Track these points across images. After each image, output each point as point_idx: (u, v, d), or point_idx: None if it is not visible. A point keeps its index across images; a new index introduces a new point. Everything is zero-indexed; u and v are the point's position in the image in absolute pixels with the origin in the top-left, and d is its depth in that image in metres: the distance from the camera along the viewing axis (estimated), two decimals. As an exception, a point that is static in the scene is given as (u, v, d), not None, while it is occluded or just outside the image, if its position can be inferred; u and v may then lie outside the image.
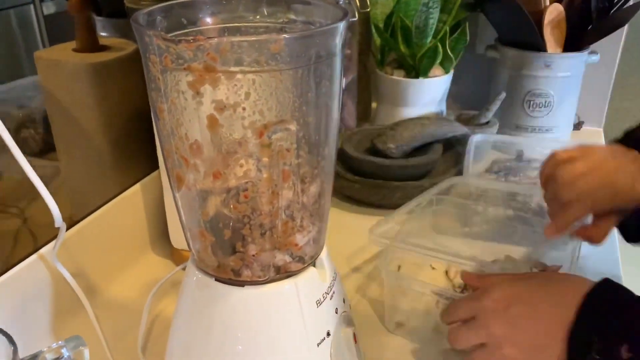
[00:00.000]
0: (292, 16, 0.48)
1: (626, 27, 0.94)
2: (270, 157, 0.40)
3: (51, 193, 0.53)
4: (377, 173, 0.81)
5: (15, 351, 0.34)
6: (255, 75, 0.37)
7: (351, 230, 0.77)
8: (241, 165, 0.40)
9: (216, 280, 0.44)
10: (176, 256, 0.71)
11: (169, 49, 0.35)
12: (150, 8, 0.41)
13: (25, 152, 0.69)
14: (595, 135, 1.05)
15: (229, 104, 0.37)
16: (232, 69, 0.36)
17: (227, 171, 0.41)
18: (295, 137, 0.40)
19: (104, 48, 0.69)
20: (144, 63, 0.39)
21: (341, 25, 0.39)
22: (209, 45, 0.34)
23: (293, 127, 0.40)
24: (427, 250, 0.58)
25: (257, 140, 0.39)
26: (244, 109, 0.38)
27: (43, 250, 0.58)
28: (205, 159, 0.40)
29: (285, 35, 0.36)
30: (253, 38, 0.37)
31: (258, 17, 0.48)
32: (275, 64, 0.37)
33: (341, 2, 0.84)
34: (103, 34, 0.89)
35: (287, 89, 0.39)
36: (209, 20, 0.47)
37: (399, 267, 0.65)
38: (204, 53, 0.35)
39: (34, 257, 0.57)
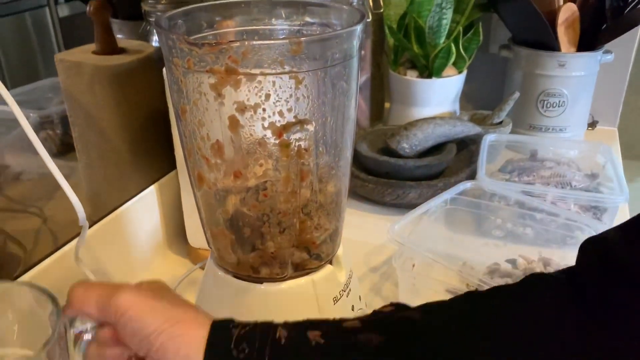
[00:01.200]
0: (308, 18, 0.49)
1: (640, 26, 0.94)
2: (289, 156, 0.41)
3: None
4: (390, 173, 0.82)
5: (58, 313, 0.35)
6: (275, 77, 0.38)
7: (365, 230, 0.78)
8: (261, 165, 0.41)
9: (235, 277, 0.45)
10: (193, 255, 0.72)
11: (192, 52, 0.36)
12: (172, 12, 0.42)
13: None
14: (609, 134, 1.04)
15: (249, 105, 0.38)
16: (253, 71, 0.37)
17: (247, 170, 0.42)
18: (314, 137, 0.41)
19: (122, 50, 0.70)
20: (166, 65, 0.40)
21: (359, 28, 0.40)
22: (230, 49, 0.35)
23: (311, 127, 0.40)
24: (435, 255, 0.59)
25: (276, 140, 0.40)
26: (264, 110, 0.38)
27: (64, 249, 0.59)
28: (226, 159, 0.41)
29: (305, 38, 0.36)
30: (274, 41, 0.38)
31: (274, 19, 0.49)
32: (295, 66, 0.38)
33: (355, 3, 0.85)
34: (119, 36, 0.90)
35: (306, 90, 0.39)
36: (228, 23, 0.48)
37: (413, 265, 0.66)
38: (225, 56, 0.36)
39: (55, 255, 0.58)
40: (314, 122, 0.40)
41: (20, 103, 0.90)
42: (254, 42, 0.36)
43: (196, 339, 0.33)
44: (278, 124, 0.39)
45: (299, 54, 0.37)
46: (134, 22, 0.89)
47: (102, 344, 0.36)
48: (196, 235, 0.70)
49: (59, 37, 1.34)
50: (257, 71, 0.37)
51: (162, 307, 0.34)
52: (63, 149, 0.86)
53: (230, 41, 0.35)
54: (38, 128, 0.90)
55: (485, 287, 0.57)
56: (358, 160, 0.85)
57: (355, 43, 0.41)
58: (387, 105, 1.06)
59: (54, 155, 0.87)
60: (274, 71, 0.37)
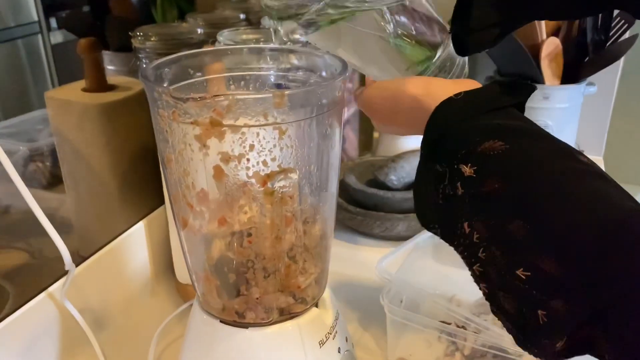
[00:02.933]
0: (295, 61, 0.50)
1: (622, 58, 0.96)
2: (273, 204, 0.41)
3: (59, 226, 0.54)
4: (378, 205, 0.82)
5: None
6: (259, 129, 0.38)
7: (354, 262, 0.78)
8: (245, 212, 0.42)
9: (221, 322, 0.46)
10: (182, 291, 0.72)
11: (177, 105, 0.37)
12: (158, 61, 0.43)
13: (33, 185, 0.70)
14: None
15: (233, 155, 0.39)
16: (237, 123, 0.37)
17: (231, 217, 0.42)
18: (298, 184, 0.42)
19: (112, 88, 0.71)
20: (152, 115, 0.41)
21: (340, 79, 0.40)
22: (215, 102, 0.36)
23: (295, 175, 0.41)
24: (422, 292, 0.59)
25: (260, 188, 0.40)
26: (248, 159, 0.39)
27: (51, 289, 0.59)
28: (211, 206, 0.42)
29: (288, 92, 0.37)
30: (258, 95, 0.39)
31: (262, 62, 0.50)
32: (279, 118, 0.38)
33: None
34: (110, 67, 0.91)
35: (289, 139, 0.40)
36: (215, 67, 0.48)
37: (402, 300, 0.66)
38: (210, 109, 0.36)
39: (42, 295, 0.58)
40: (297, 171, 0.41)
41: (10, 135, 0.90)
42: (238, 97, 0.37)
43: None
44: (262, 173, 0.40)
45: (283, 107, 0.38)
46: (125, 54, 0.89)
47: None
48: (184, 272, 0.70)
49: (51, 64, 1.34)
50: (241, 123, 0.38)
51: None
52: (53, 181, 0.86)
53: (214, 95, 0.36)
54: (27, 160, 0.90)
55: (472, 325, 0.58)
56: (347, 192, 0.86)
57: (338, 92, 0.42)
58: (375, 135, 1.07)
59: (44, 187, 0.87)
60: (257, 123, 0.38)
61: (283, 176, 0.40)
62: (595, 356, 0.33)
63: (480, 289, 0.38)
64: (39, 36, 1.39)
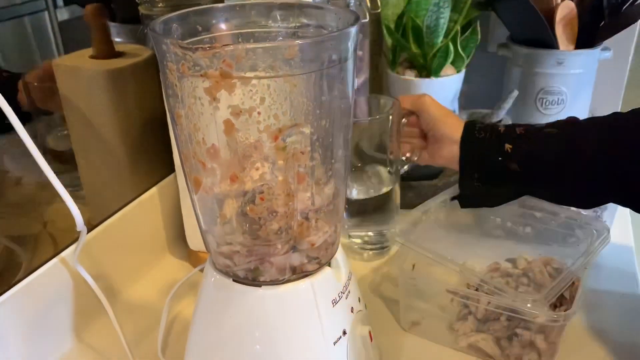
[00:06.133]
0: (304, 20, 0.49)
1: (639, 22, 0.94)
2: (285, 160, 0.41)
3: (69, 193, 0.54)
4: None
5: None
6: (270, 81, 0.38)
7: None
8: (257, 169, 0.41)
9: (234, 281, 0.45)
10: (193, 258, 0.72)
11: (185, 57, 0.36)
12: (167, 16, 0.42)
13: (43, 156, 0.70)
14: (609, 131, 1.04)
15: (244, 108, 0.38)
16: (248, 74, 0.37)
17: (243, 174, 0.42)
18: (310, 140, 0.41)
19: (119, 54, 0.70)
20: (161, 70, 0.40)
21: (353, 30, 0.39)
22: (224, 53, 0.35)
23: (307, 130, 0.40)
24: (435, 255, 0.59)
25: (272, 143, 0.40)
26: (259, 113, 0.38)
27: (64, 254, 0.59)
28: (222, 163, 0.41)
29: (299, 41, 0.36)
30: (268, 45, 0.38)
31: (270, 22, 0.49)
32: (289, 69, 0.37)
33: (352, 4, 0.84)
34: (117, 39, 0.90)
35: (300, 93, 0.39)
36: (222, 26, 0.47)
37: (414, 265, 0.66)
38: (220, 60, 0.35)
39: (55, 260, 0.59)
40: (309, 125, 0.40)
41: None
42: (248, 46, 0.36)
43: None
44: (273, 127, 0.39)
45: (294, 57, 0.37)
46: (132, 25, 0.88)
47: (409, 124, 0.69)
48: (195, 238, 0.70)
49: (58, 40, 1.34)
50: (251, 74, 0.37)
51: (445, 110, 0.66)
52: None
53: (224, 45, 0.35)
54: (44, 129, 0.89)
55: (486, 287, 0.57)
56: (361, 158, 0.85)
57: (350, 45, 0.41)
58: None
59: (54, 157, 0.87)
60: (268, 74, 0.37)
61: (295, 130, 0.39)
62: None
63: None
64: (46, 13, 1.39)
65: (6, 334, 0.54)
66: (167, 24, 0.42)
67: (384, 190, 0.73)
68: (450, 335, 0.60)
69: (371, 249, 0.75)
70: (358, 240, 0.75)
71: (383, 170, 0.74)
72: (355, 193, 0.74)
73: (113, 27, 0.89)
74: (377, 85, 1.01)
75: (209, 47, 0.35)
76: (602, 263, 0.70)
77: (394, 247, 0.76)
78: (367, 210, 0.74)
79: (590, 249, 0.59)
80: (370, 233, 0.75)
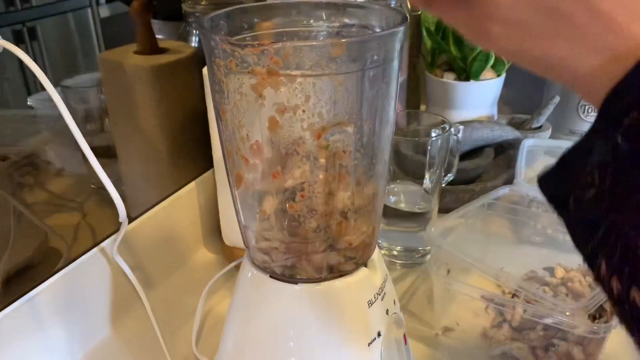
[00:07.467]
0: (347, 20, 0.49)
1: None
2: (327, 158, 0.41)
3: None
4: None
5: None
6: (315, 79, 0.38)
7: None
8: (299, 166, 0.42)
9: (270, 277, 0.46)
10: (227, 253, 0.73)
11: (234, 53, 0.37)
12: (214, 13, 0.43)
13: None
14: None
15: (289, 106, 0.38)
16: (294, 72, 0.37)
17: (285, 171, 0.42)
18: (352, 139, 0.41)
19: (163, 50, 0.71)
20: (208, 66, 0.41)
21: (401, 30, 0.39)
22: (272, 50, 0.35)
23: (350, 129, 0.40)
24: (472, 259, 0.58)
25: (314, 141, 0.40)
26: (303, 111, 0.39)
27: (104, 244, 0.61)
28: (265, 159, 0.41)
29: (347, 40, 0.36)
30: (315, 43, 0.38)
31: (313, 21, 0.49)
32: (335, 68, 0.37)
33: (392, 5, 0.84)
34: (159, 36, 0.92)
35: (345, 91, 0.39)
36: (267, 24, 0.48)
37: (449, 270, 0.65)
38: (267, 57, 0.36)
39: (94, 250, 0.60)
40: (352, 124, 0.40)
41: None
42: (296, 44, 0.36)
43: None
44: (317, 126, 0.39)
45: (340, 56, 0.37)
46: (174, 23, 0.90)
47: None
48: (231, 234, 0.71)
49: (99, 36, 1.37)
50: (297, 72, 0.37)
51: None
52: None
53: (272, 42, 0.36)
54: (83, 122, 0.91)
55: (524, 294, 0.56)
56: (397, 160, 0.85)
57: (396, 45, 0.41)
58: (422, 107, 1.06)
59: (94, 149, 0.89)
60: (314, 73, 0.37)
61: (338, 129, 0.39)
62: None
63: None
64: (88, 10, 1.42)
65: (46, 320, 0.55)
66: (215, 21, 0.43)
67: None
68: (484, 342, 0.59)
69: (400, 265, 0.74)
70: (385, 252, 0.74)
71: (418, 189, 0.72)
72: (393, 200, 0.73)
73: (155, 24, 0.91)
74: (414, 86, 1.01)
75: (257, 44, 0.35)
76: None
77: (423, 264, 0.74)
78: (399, 214, 0.73)
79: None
80: (399, 247, 0.74)
